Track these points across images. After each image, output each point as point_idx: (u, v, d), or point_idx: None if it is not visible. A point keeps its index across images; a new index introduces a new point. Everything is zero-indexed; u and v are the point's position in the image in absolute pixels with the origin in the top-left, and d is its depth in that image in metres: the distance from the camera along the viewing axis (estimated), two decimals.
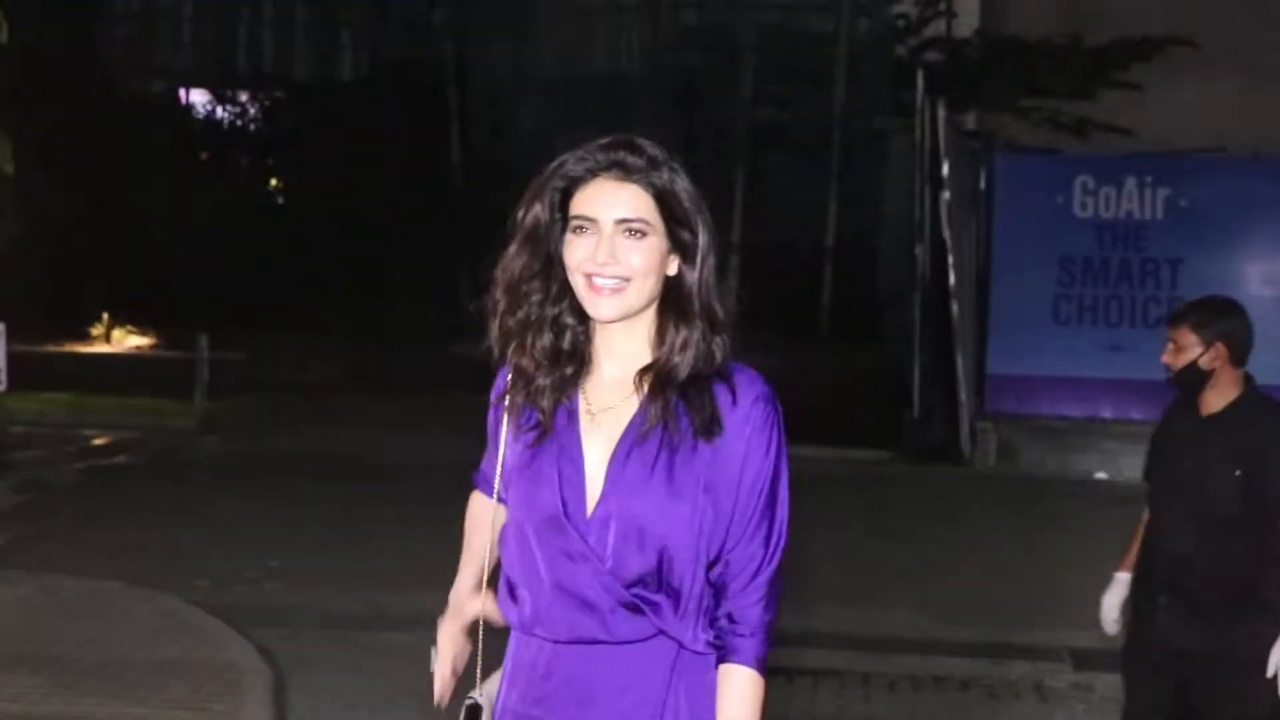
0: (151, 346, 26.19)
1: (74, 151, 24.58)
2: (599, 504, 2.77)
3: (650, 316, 2.81)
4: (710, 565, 2.77)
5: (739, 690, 2.77)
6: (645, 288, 2.75)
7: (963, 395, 16.54)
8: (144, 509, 12.99)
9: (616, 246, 2.72)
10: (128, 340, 27.18)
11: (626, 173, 2.75)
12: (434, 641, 3.03)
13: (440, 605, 3.07)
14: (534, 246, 2.80)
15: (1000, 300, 17.47)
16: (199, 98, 30.91)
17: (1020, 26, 20.93)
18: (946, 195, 16.66)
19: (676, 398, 2.75)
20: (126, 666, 7.45)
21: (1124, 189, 17.41)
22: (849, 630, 8.98)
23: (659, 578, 2.75)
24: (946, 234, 16.66)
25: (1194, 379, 4.99)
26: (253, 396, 20.90)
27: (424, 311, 25.67)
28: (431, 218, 26.86)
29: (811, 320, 25.66)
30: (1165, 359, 5.05)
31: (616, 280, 2.72)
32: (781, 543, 2.81)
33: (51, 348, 22.49)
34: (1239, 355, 4.97)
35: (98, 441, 17.09)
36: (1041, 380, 17.26)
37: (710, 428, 2.74)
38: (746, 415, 2.77)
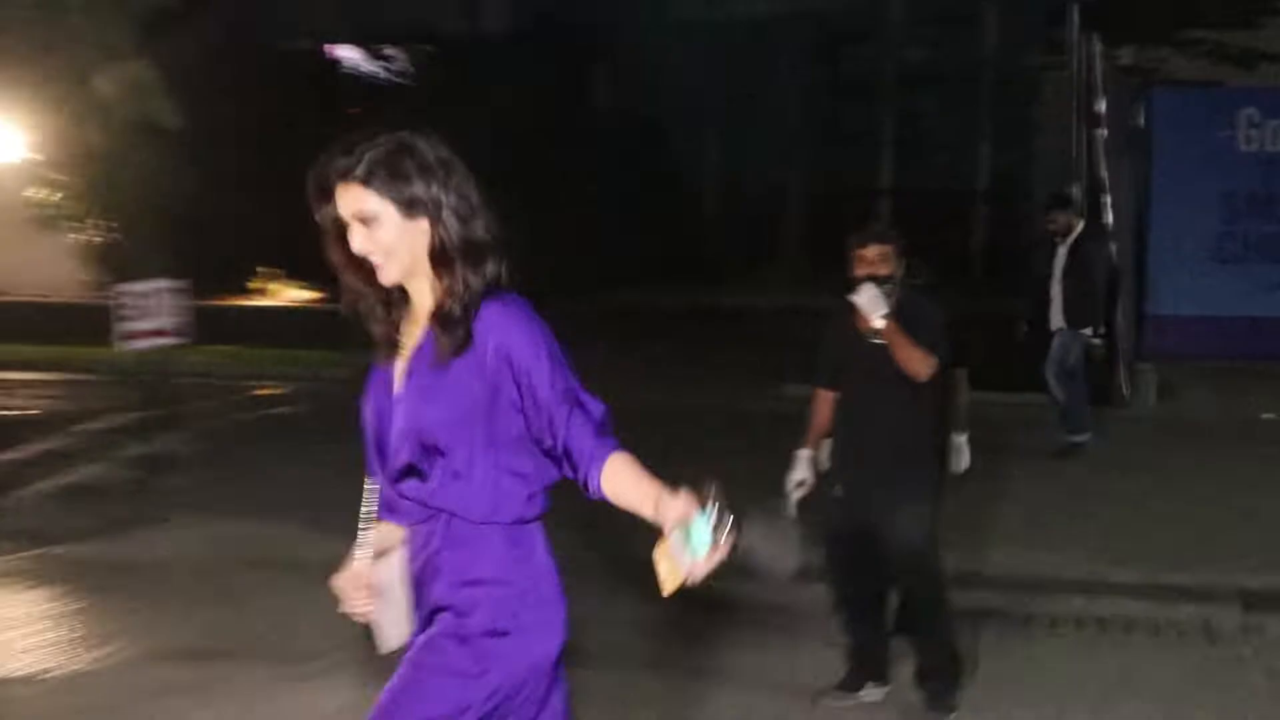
0: (317, 300, 26.57)
1: (236, 111, 24.97)
2: (397, 415, 3.49)
3: (426, 264, 3.43)
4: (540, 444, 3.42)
5: (629, 461, 3.36)
6: (402, 255, 3.41)
7: (1121, 337, 16.22)
8: (312, 456, 13.11)
9: (364, 235, 3.39)
10: (288, 294, 27.73)
11: (344, 177, 3.38)
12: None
13: None
14: (334, 240, 3.47)
15: (1160, 239, 17.13)
16: (347, 54, 31.18)
17: None
18: (1103, 132, 16.32)
19: (451, 326, 3.38)
20: (296, 606, 7.62)
21: None
22: (1011, 572, 8.96)
23: (433, 466, 3.41)
24: (1103, 172, 16.31)
25: None
26: None
27: (565, 260, 25.89)
28: (576, 167, 26.97)
29: (965, 263, 25.29)
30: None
31: (381, 257, 3.39)
32: (572, 393, 3.39)
33: (217, 302, 22.94)
34: None
35: (263, 392, 17.45)
36: (1203, 320, 16.92)
37: (464, 346, 3.37)
38: (504, 327, 3.37)
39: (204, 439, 13.84)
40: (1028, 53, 25.93)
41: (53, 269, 25.55)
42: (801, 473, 6.42)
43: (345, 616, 3.68)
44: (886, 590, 6.50)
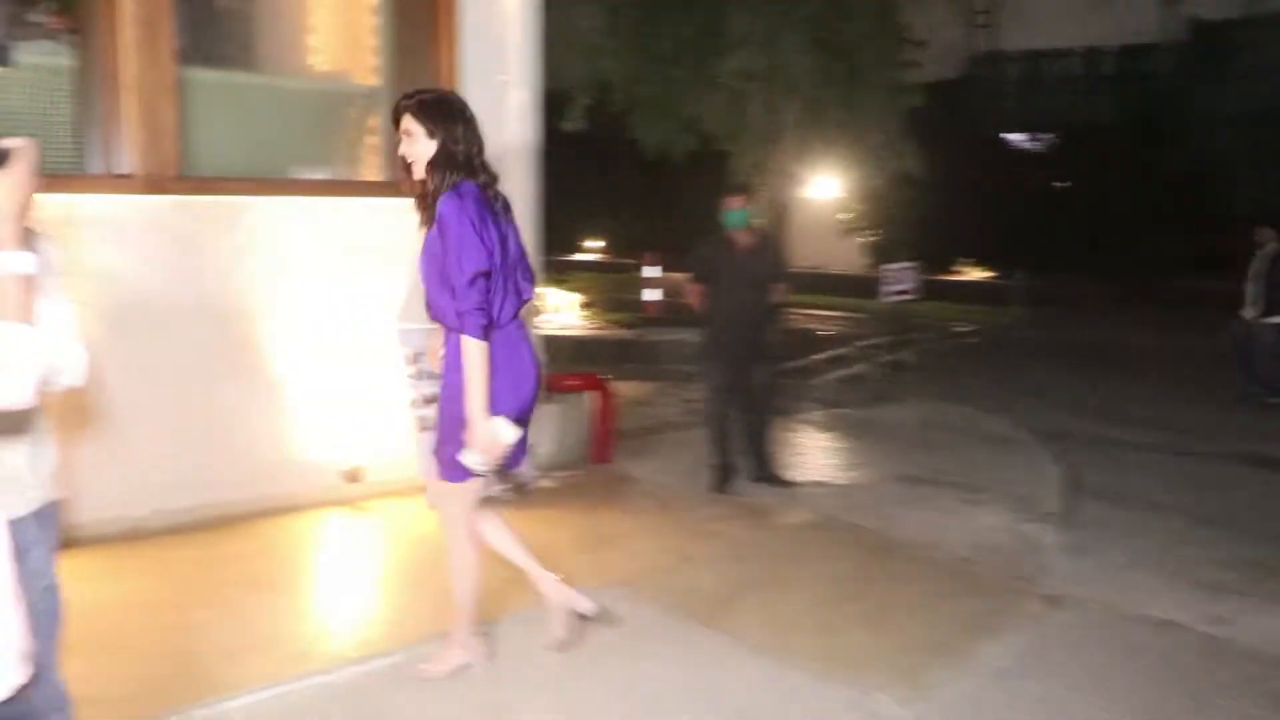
0: (990, 277, 25.43)
1: (950, 166, 24.22)
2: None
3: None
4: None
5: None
6: (423, 160, 3.01)
7: None
8: (986, 369, 12.36)
9: (404, 145, 3.04)
10: (977, 273, 26.61)
11: (402, 109, 3.04)
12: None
13: None
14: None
15: None
16: (1015, 136, 29.58)
17: None
18: None
19: (425, 207, 3.02)
20: (973, 456, 7.01)
21: None
22: None
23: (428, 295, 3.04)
24: None
25: None
26: (1047, 307, 19.60)
27: (1139, 258, 23.21)
28: (1151, 205, 24.11)
29: None
30: None
31: (411, 159, 3.04)
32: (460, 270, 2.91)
33: (935, 276, 22.36)
34: None
35: (958, 329, 16.65)
36: None
37: (431, 220, 2.98)
38: (444, 210, 2.92)
39: (924, 355, 13.20)
40: None
41: (848, 256, 25.84)
42: None
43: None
44: None
